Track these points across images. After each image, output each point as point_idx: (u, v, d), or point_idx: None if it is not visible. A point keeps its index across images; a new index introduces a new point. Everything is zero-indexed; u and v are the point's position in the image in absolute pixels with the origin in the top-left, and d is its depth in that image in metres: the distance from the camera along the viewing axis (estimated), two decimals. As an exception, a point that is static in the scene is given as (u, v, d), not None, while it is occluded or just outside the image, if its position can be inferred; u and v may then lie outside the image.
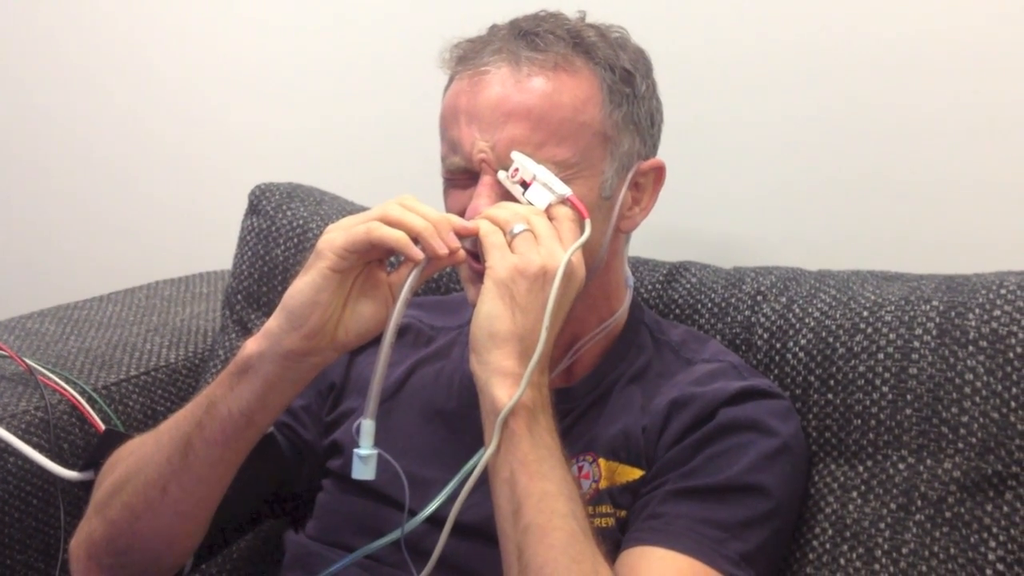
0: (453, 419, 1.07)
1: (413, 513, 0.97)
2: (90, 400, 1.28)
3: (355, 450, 0.89)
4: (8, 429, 1.20)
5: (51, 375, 1.28)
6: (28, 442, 1.21)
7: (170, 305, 1.54)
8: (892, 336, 1.05)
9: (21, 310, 1.50)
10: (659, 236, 1.22)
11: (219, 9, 1.73)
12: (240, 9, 1.72)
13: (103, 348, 1.39)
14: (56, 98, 1.90)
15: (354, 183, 1.47)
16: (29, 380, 1.27)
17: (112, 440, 1.08)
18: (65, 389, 1.27)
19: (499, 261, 0.90)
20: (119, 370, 1.35)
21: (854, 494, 1.03)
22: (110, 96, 1.86)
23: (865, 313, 1.08)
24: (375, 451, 0.89)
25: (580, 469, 1.02)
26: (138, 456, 0.99)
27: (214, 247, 1.57)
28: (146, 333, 1.44)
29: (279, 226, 1.39)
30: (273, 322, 0.92)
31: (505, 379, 0.88)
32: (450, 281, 1.31)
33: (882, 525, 1.00)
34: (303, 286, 0.90)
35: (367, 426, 0.89)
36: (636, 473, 1.01)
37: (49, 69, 1.90)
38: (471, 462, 0.91)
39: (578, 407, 1.05)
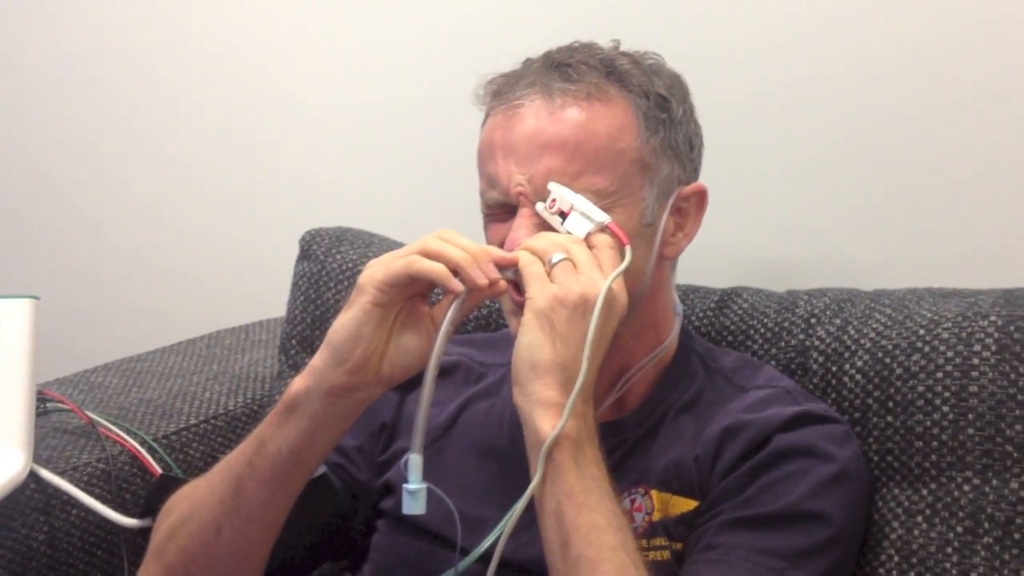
0: (505, 456, 1.06)
1: (466, 552, 0.96)
2: (150, 450, 1.30)
3: (404, 485, 0.89)
4: (71, 481, 1.22)
5: (112, 427, 1.30)
6: (90, 493, 1.22)
7: (230, 353, 1.56)
8: (950, 354, 1.02)
9: (87, 364, 1.53)
10: (711, 262, 1.21)
11: (270, 60, 1.77)
12: (289, 59, 1.75)
13: (164, 398, 1.41)
14: (112, 151, 1.95)
15: (403, 223, 1.48)
16: (91, 433, 1.29)
17: (168, 485, 1.09)
18: (126, 440, 1.29)
19: (538, 291, 0.89)
20: (179, 419, 1.37)
21: (919, 518, 1.00)
22: (166, 151, 1.90)
23: (922, 332, 1.05)
24: (424, 485, 0.89)
25: (633, 502, 1.00)
26: (192, 499, 1.00)
27: (275, 294, 1.59)
28: (206, 382, 1.46)
29: (329, 270, 1.40)
30: (318, 359, 0.92)
31: (548, 410, 0.87)
32: (499, 317, 1.31)
33: (949, 550, 0.97)
34: (346, 321, 0.91)
35: (415, 460, 0.89)
36: (690, 504, 0.99)
37: (107, 123, 1.95)
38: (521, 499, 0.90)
39: (629, 439, 1.04)
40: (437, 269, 0.89)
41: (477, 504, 1.01)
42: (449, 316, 0.89)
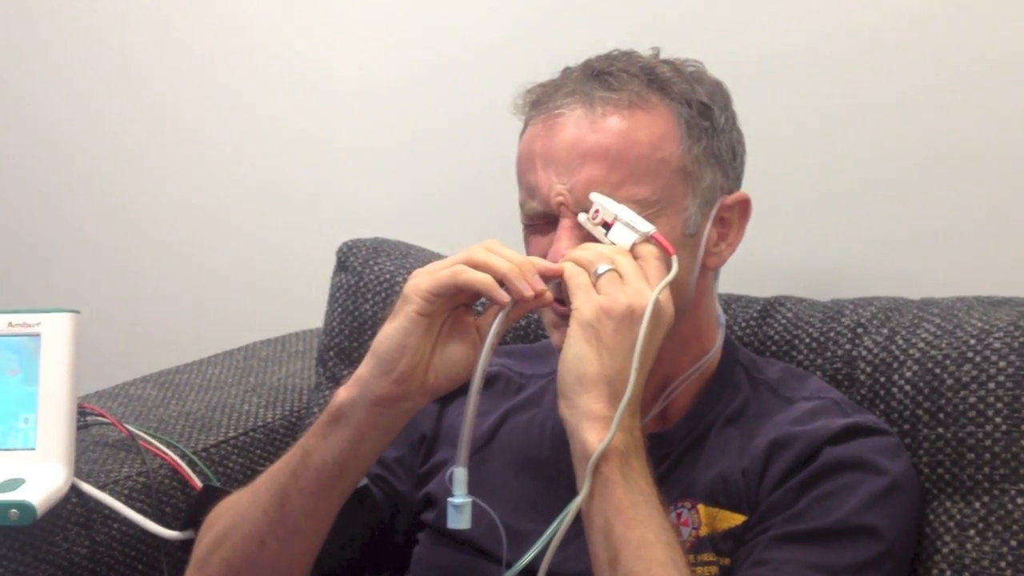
0: (547, 468, 1.05)
1: (509, 565, 0.95)
2: (190, 463, 1.30)
3: (449, 499, 0.88)
4: (112, 495, 1.22)
5: (152, 440, 1.30)
6: (131, 507, 1.22)
7: (267, 365, 1.56)
8: (1002, 364, 1.00)
9: (126, 377, 1.54)
10: (753, 271, 1.19)
11: (306, 74, 1.77)
12: (326, 73, 1.75)
13: (202, 411, 1.41)
14: (150, 167, 1.97)
15: (440, 235, 1.48)
16: (131, 446, 1.29)
17: (210, 496, 1.09)
18: (165, 453, 1.29)
19: (584, 302, 0.88)
20: (218, 432, 1.37)
21: (972, 532, 0.98)
22: (202, 165, 1.91)
23: (972, 341, 1.03)
24: (469, 499, 0.88)
25: (679, 516, 0.99)
26: (235, 511, 0.99)
27: (311, 305, 1.59)
28: (244, 394, 1.46)
29: (367, 281, 1.40)
30: (363, 368, 0.92)
31: (595, 423, 0.86)
32: (538, 328, 1.30)
33: (1003, 564, 0.95)
34: (391, 331, 0.90)
35: (459, 474, 0.88)
36: (738, 518, 0.97)
37: (144, 139, 1.96)
38: (565, 511, 0.89)
39: (674, 452, 1.02)
40: (484, 280, 0.88)
41: (519, 516, 1.01)
42: (495, 327, 0.88)
